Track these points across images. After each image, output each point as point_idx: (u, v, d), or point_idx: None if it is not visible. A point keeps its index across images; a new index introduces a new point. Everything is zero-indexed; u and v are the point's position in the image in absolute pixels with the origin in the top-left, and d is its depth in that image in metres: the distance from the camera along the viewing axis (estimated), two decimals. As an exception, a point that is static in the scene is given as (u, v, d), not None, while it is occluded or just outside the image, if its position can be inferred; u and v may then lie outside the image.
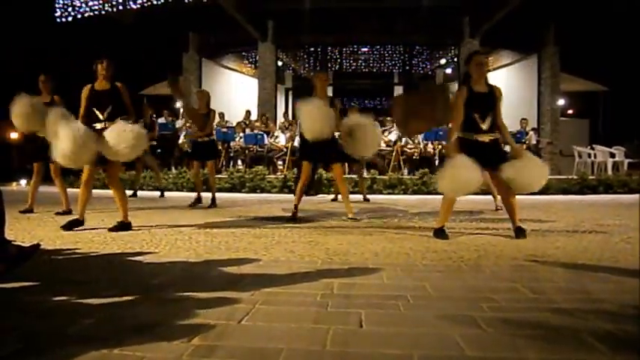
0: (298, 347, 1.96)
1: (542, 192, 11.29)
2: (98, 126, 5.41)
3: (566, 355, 1.89)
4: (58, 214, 6.68)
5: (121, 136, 5.13)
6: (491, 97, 4.92)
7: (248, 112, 16.86)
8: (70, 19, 16.48)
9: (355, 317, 2.32)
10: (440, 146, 13.69)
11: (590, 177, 12.93)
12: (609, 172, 14.53)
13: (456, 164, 4.59)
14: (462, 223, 5.85)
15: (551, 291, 2.81)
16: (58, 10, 16.62)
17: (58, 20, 16.65)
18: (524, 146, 14.65)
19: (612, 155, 15.29)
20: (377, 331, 2.15)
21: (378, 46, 21.05)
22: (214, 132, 9.66)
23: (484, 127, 4.85)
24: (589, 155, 15.82)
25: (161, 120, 15.68)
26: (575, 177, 12.96)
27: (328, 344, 1.99)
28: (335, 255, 3.90)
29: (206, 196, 8.69)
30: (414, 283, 3.00)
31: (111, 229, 5.30)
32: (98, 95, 5.57)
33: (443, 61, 21.56)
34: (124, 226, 5.42)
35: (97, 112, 5.48)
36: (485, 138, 4.85)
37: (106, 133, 5.19)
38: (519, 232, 4.82)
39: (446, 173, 4.63)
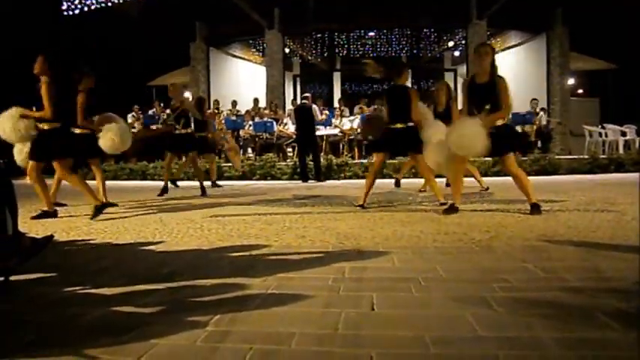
0: (311, 331, 1.97)
1: (553, 172, 11.34)
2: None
3: (578, 333, 1.89)
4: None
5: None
6: (492, 87, 5.00)
7: (256, 100, 16.87)
8: (76, 11, 16.51)
9: (367, 300, 2.33)
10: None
11: (602, 156, 12.82)
12: (620, 150, 14.39)
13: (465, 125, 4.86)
14: (473, 204, 5.83)
15: (562, 270, 2.80)
16: (64, 3, 16.65)
17: (65, 13, 16.68)
18: (534, 127, 14.58)
19: (623, 134, 15.13)
20: (389, 314, 2.16)
21: (385, 31, 20.88)
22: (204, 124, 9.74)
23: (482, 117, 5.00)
24: (600, 134, 15.66)
25: (169, 111, 15.71)
26: (586, 156, 12.85)
27: (340, 327, 2.00)
28: (346, 239, 3.91)
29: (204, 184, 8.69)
30: (425, 265, 3.00)
31: (34, 217, 5.57)
32: (36, 92, 5.55)
33: (451, 44, 21.39)
34: (47, 214, 5.67)
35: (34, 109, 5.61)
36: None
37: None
38: (534, 209, 5.05)
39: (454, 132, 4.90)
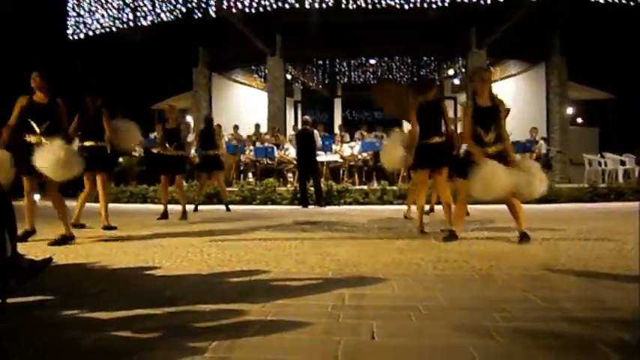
0: (310, 359, 1.96)
1: (553, 200, 11.34)
2: (33, 139, 5.43)
3: (580, 364, 1.88)
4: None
5: (53, 157, 5.14)
6: (495, 110, 5.16)
7: (257, 126, 16.97)
8: (81, 36, 16.72)
9: (367, 328, 2.31)
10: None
11: (601, 185, 12.84)
12: (620, 179, 14.41)
13: (488, 170, 4.82)
14: (474, 232, 5.82)
15: (564, 300, 2.78)
16: (70, 27, 16.87)
17: (70, 38, 16.90)
18: (534, 155, 14.62)
19: (623, 163, 15.17)
20: (389, 343, 2.14)
21: (386, 58, 21.13)
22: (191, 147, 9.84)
23: (488, 140, 5.10)
24: (599, 163, 15.71)
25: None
26: (585, 185, 12.87)
27: (340, 356, 1.98)
28: (346, 266, 3.90)
29: (213, 207, 8.69)
30: (426, 293, 2.98)
31: (51, 244, 5.26)
32: (36, 107, 5.54)
33: (451, 72, 21.57)
34: (65, 239, 5.42)
35: (34, 125, 5.47)
36: (488, 150, 5.08)
37: (40, 152, 5.17)
38: (523, 238, 5.02)
39: (478, 177, 4.85)
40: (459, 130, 7.05)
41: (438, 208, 8.16)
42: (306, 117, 12.58)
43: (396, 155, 6.29)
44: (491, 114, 5.14)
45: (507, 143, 5.21)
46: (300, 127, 13.54)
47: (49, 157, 5.15)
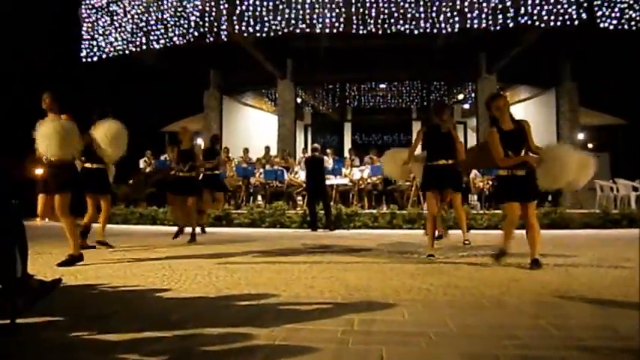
0: (319, 384, 1.94)
1: (564, 226, 11.24)
2: (45, 160, 5.46)
3: (594, 394, 1.84)
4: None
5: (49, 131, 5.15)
6: (520, 132, 5.24)
7: (267, 149, 17.05)
8: (95, 58, 16.99)
9: (376, 354, 2.29)
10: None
11: (614, 211, 12.74)
12: (633, 205, 14.28)
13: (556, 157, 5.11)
14: (484, 258, 5.77)
15: (577, 328, 2.74)
16: (83, 50, 17.17)
17: (84, 60, 17.18)
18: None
19: (635, 189, 15.05)
20: (399, 369, 2.12)
21: (396, 83, 21.26)
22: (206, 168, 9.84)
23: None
24: (611, 189, 15.59)
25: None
26: (597, 211, 12.77)
27: (349, 382, 1.96)
28: (355, 291, 3.87)
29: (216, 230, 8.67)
30: (436, 319, 2.95)
31: (60, 264, 5.24)
32: None
33: (461, 97, 21.64)
34: (74, 259, 5.38)
35: None
36: (522, 172, 5.15)
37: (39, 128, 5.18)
38: (534, 264, 4.99)
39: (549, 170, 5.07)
40: None
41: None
42: (316, 144, 12.68)
43: (398, 163, 6.65)
44: (517, 136, 5.21)
45: (544, 149, 5.32)
46: (309, 152, 13.60)
47: (46, 131, 5.16)
